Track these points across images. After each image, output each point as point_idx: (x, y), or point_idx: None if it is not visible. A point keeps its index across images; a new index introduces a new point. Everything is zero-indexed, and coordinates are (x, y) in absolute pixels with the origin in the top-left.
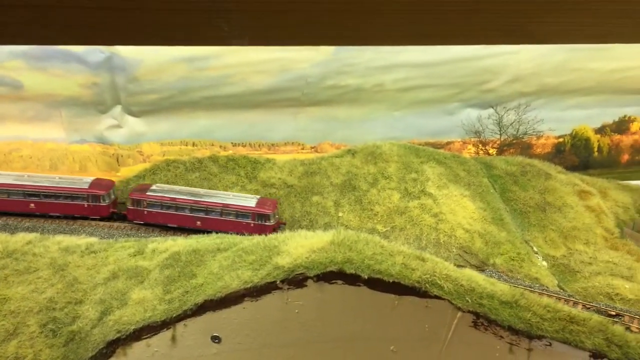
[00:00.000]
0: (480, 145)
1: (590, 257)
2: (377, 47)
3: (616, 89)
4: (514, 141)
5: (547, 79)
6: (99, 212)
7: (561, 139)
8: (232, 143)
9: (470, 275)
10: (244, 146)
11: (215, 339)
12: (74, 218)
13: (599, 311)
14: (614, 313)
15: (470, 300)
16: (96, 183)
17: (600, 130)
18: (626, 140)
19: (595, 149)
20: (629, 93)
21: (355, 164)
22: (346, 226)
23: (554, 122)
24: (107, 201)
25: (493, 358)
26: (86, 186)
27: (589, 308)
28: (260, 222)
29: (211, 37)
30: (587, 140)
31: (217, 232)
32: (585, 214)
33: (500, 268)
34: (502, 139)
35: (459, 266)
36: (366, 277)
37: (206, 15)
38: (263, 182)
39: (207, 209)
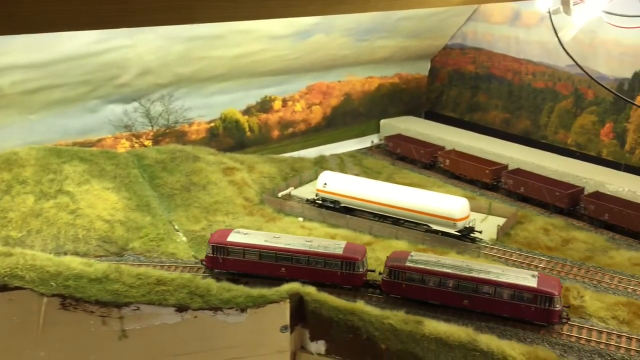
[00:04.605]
0: (134, 138)
1: (228, 225)
2: None
3: (250, 73)
4: (167, 131)
5: (178, 69)
6: (353, 282)
7: (213, 124)
8: None
9: (63, 261)
10: None
11: None
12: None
13: None
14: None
15: (55, 285)
16: (349, 248)
17: (247, 112)
18: (272, 118)
19: (247, 129)
20: (263, 75)
21: None
22: None
23: (203, 109)
24: (361, 269)
25: (89, 333)
26: (340, 251)
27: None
28: (543, 306)
29: None
30: (237, 122)
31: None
32: (228, 188)
33: (138, 250)
34: (154, 130)
35: (99, 256)
36: None
37: None
38: None
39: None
